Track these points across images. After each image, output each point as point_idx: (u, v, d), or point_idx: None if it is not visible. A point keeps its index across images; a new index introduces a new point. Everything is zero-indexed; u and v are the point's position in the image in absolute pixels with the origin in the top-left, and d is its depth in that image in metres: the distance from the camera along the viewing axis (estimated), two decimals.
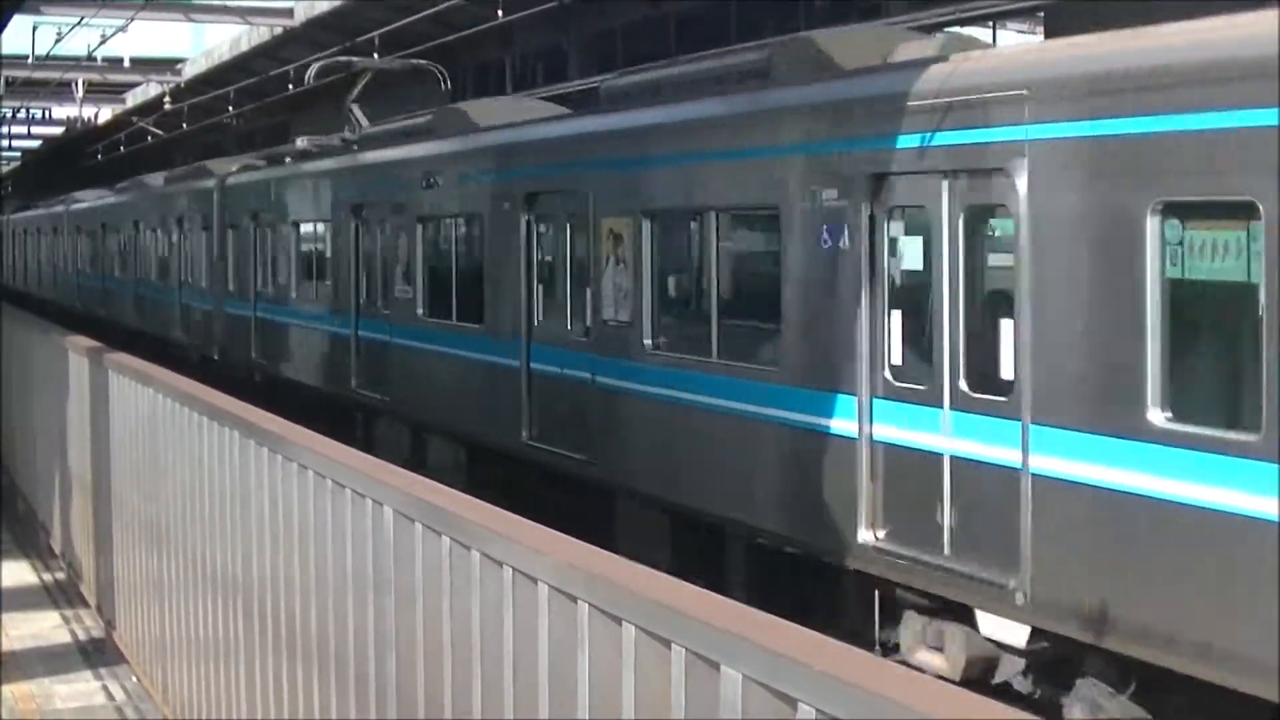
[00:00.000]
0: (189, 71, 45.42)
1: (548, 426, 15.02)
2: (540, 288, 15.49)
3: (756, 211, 12.11)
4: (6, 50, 31.87)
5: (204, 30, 46.40)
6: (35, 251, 52.80)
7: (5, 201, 67.35)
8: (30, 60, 38.16)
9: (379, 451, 16.44)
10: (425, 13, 29.12)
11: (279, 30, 36.26)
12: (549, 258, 15.41)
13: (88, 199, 43.49)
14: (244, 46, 41.99)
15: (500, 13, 26.07)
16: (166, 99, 45.45)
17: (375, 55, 32.10)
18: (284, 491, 6.80)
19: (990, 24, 23.00)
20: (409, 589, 5.40)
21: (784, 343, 11.44)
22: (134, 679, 10.62)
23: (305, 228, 22.89)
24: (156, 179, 35.88)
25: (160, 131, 48.93)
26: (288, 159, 26.31)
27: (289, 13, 34.20)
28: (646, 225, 13.35)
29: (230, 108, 44.50)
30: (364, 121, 23.31)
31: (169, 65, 45.84)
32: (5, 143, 64.32)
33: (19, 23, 28.86)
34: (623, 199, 13.71)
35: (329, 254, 21.53)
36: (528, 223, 15.60)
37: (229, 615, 7.82)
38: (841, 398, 10.67)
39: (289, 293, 23.41)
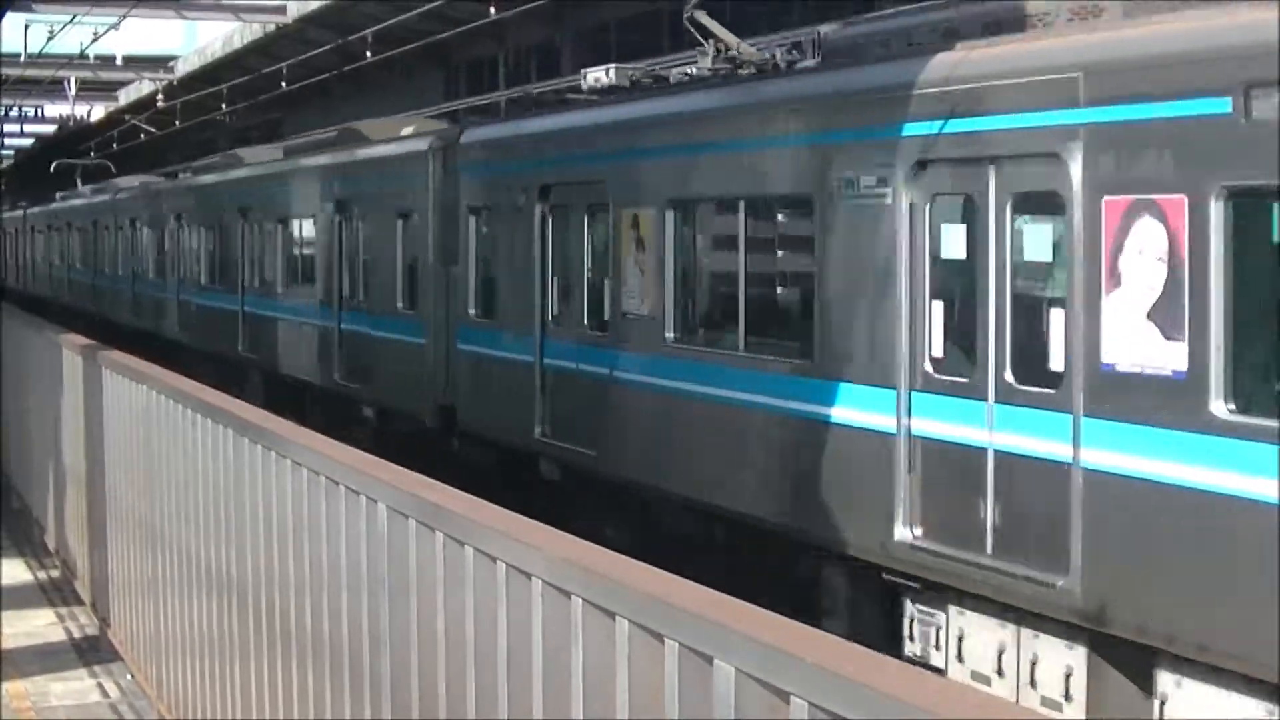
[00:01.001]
0: (182, 69, 45.39)
1: None
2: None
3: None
4: None
5: (196, 28, 46.50)
6: (64, 253, 45.36)
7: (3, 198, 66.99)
8: (22, 58, 38.09)
9: None
10: (419, 9, 29.11)
11: (272, 27, 36.24)
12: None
13: (149, 184, 36.80)
14: (237, 44, 42.00)
15: (493, 9, 26.05)
16: (159, 96, 45.40)
17: (369, 54, 32.16)
18: (278, 488, 6.80)
19: None
20: (403, 585, 5.40)
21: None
22: (129, 676, 10.62)
23: (722, 213, 13.03)
24: (270, 152, 28.38)
25: (153, 129, 48.90)
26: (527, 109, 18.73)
27: (282, 9, 34.16)
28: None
29: (223, 105, 44.47)
30: (729, 36, 13.83)
31: (162, 63, 45.80)
32: None
33: (11, 21, 28.76)
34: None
35: (801, 264, 11.92)
36: None
37: (223, 612, 7.82)
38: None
39: (659, 331, 13.46)
